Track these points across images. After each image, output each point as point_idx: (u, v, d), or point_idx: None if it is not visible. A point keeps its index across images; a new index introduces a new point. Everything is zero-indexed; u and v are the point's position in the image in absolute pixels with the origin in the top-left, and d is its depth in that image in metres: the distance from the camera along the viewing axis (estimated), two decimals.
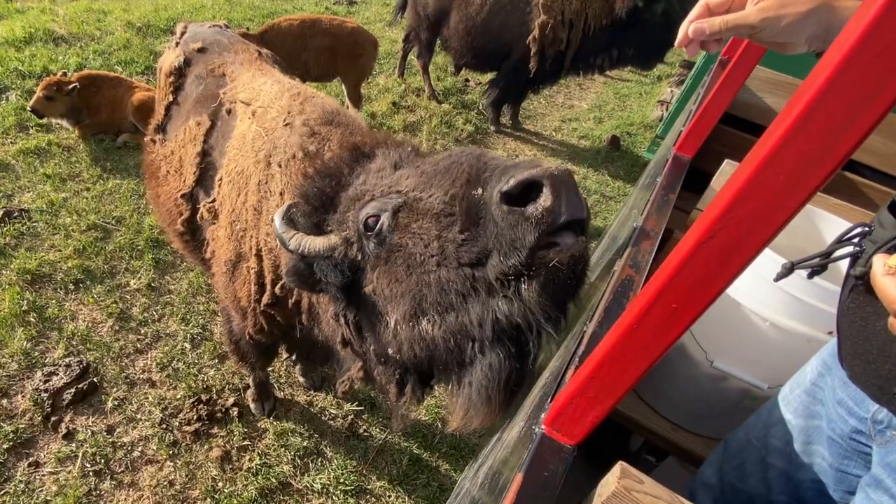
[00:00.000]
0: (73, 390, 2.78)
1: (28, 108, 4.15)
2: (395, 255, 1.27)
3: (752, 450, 1.56)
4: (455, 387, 1.33)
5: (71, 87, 4.14)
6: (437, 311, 1.21)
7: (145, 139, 2.68)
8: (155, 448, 2.67)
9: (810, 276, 1.26)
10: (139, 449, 2.67)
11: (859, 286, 1.10)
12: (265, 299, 1.89)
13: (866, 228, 1.16)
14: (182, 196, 2.28)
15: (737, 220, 0.57)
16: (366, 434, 2.92)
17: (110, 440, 2.67)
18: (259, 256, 1.88)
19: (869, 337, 1.09)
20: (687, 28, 1.06)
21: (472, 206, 1.12)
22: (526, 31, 5.03)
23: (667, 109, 6.29)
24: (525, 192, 1.02)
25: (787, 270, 1.25)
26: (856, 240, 1.17)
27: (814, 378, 1.42)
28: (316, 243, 1.41)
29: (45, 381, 2.79)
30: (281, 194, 1.80)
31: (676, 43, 1.10)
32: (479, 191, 1.12)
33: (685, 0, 4.71)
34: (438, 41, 5.84)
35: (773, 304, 1.65)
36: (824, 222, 1.93)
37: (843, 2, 0.97)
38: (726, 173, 2.19)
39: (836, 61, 0.44)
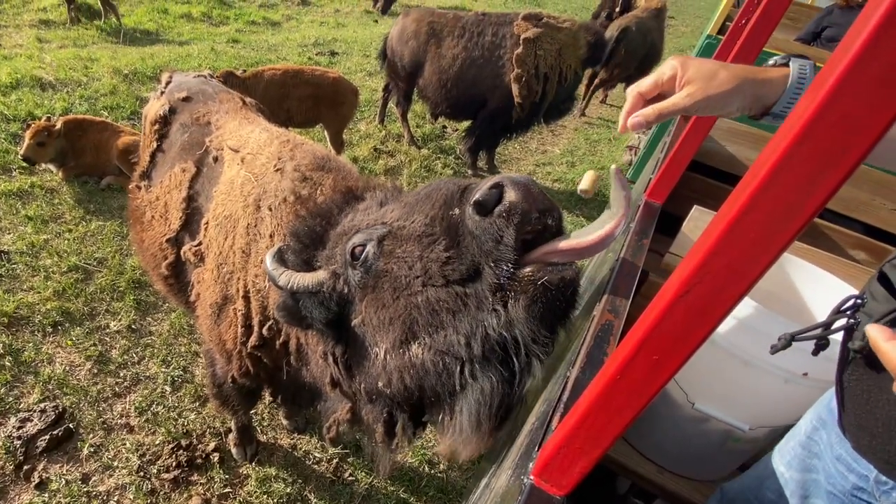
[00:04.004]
0: (47, 437, 2.69)
1: (20, 157, 4.16)
2: (381, 282, 1.29)
3: (745, 502, 1.56)
4: (447, 417, 1.31)
5: (57, 128, 4.18)
6: (425, 332, 1.21)
7: (130, 185, 2.71)
8: (132, 497, 2.59)
9: (815, 351, 1.23)
10: (115, 498, 2.58)
11: (858, 359, 1.10)
12: (252, 341, 1.88)
13: (859, 300, 1.17)
14: (167, 240, 2.30)
15: (712, 273, 0.58)
16: (351, 478, 2.88)
17: (85, 489, 2.57)
18: (246, 298, 1.89)
19: (872, 410, 1.08)
20: (625, 121, 1.11)
21: (451, 225, 1.17)
22: (501, 83, 5.30)
23: (636, 154, 6.62)
24: (496, 202, 1.07)
25: (787, 343, 1.23)
26: (849, 312, 1.17)
27: (809, 431, 1.42)
28: (305, 279, 1.43)
29: (19, 428, 2.70)
30: (271, 236, 1.82)
31: (619, 130, 1.18)
32: (456, 211, 1.17)
33: None
34: (416, 90, 6.09)
35: (750, 346, 1.69)
36: (792, 266, 2.05)
37: (766, 74, 1.05)
38: (696, 219, 2.32)
39: (796, 130, 0.48)
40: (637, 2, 7.76)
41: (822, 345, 1.20)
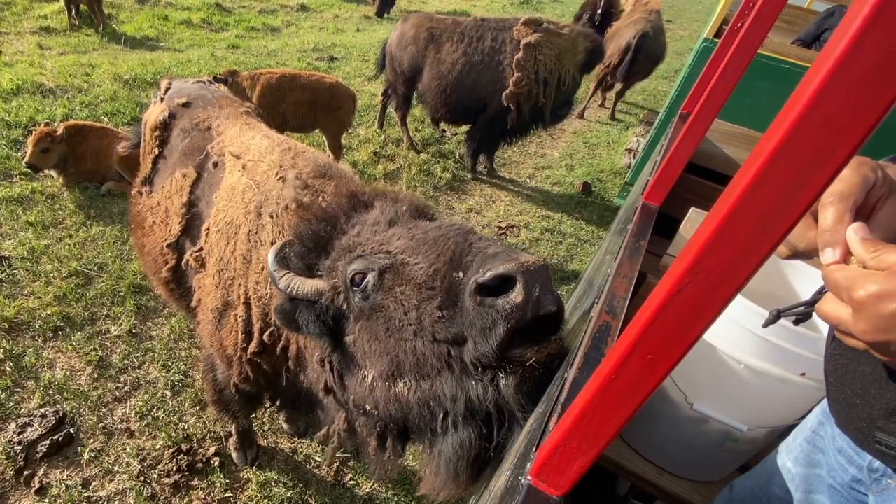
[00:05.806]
0: (47, 442, 2.70)
1: (25, 164, 4.17)
2: (376, 315, 1.31)
3: (754, 498, 1.56)
4: (427, 452, 1.36)
5: (59, 133, 4.20)
6: (412, 376, 1.25)
7: (131, 191, 2.71)
8: (132, 502, 2.59)
9: (796, 322, 1.26)
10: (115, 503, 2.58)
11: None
12: (252, 347, 1.90)
13: None
14: (168, 245, 2.31)
15: (704, 273, 0.58)
16: (352, 482, 2.88)
17: (85, 495, 2.58)
18: (247, 304, 1.90)
19: (849, 381, 1.10)
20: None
21: (451, 287, 1.17)
22: (500, 87, 5.32)
23: (634, 157, 6.63)
24: (500, 285, 1.07)
25: (774, 318, 1.26)
26: None
27: (814, 426, 1.43)
28: (305, 286, 1.44)
29: (20, 433, 2.71)
30: (272, 243, 1.82)
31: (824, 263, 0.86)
32: (460, 274, 1.17)
33: None
34: (415, 95, 6.11)
35: (746, 346, 1.69)
36: (790, 268, 2.05)
37: None
38: (693, 220, 2.32)
39: (783, 131, 0.48)
40: (619, 6, 7.74)
41: (807, 314, 1.22)
